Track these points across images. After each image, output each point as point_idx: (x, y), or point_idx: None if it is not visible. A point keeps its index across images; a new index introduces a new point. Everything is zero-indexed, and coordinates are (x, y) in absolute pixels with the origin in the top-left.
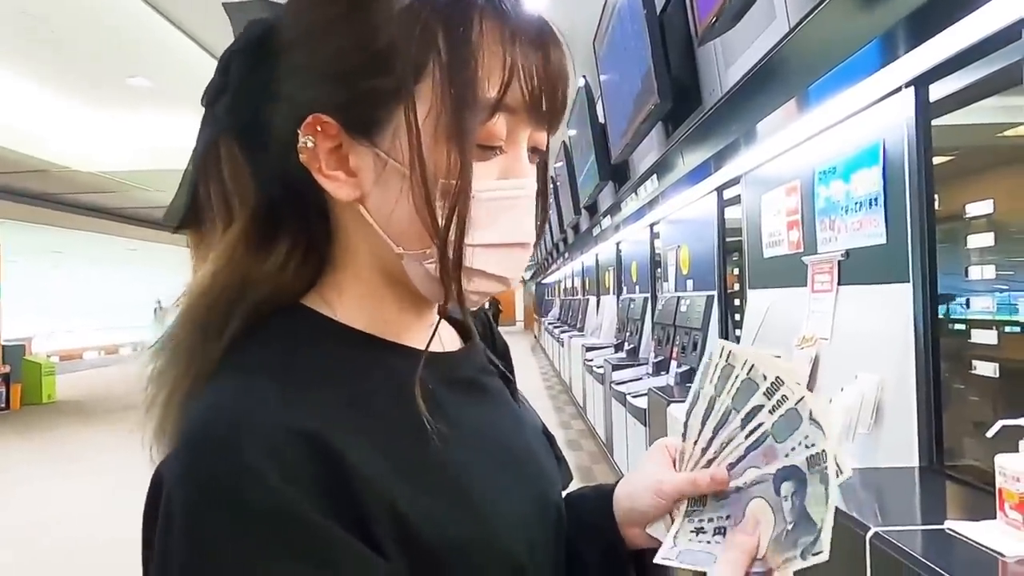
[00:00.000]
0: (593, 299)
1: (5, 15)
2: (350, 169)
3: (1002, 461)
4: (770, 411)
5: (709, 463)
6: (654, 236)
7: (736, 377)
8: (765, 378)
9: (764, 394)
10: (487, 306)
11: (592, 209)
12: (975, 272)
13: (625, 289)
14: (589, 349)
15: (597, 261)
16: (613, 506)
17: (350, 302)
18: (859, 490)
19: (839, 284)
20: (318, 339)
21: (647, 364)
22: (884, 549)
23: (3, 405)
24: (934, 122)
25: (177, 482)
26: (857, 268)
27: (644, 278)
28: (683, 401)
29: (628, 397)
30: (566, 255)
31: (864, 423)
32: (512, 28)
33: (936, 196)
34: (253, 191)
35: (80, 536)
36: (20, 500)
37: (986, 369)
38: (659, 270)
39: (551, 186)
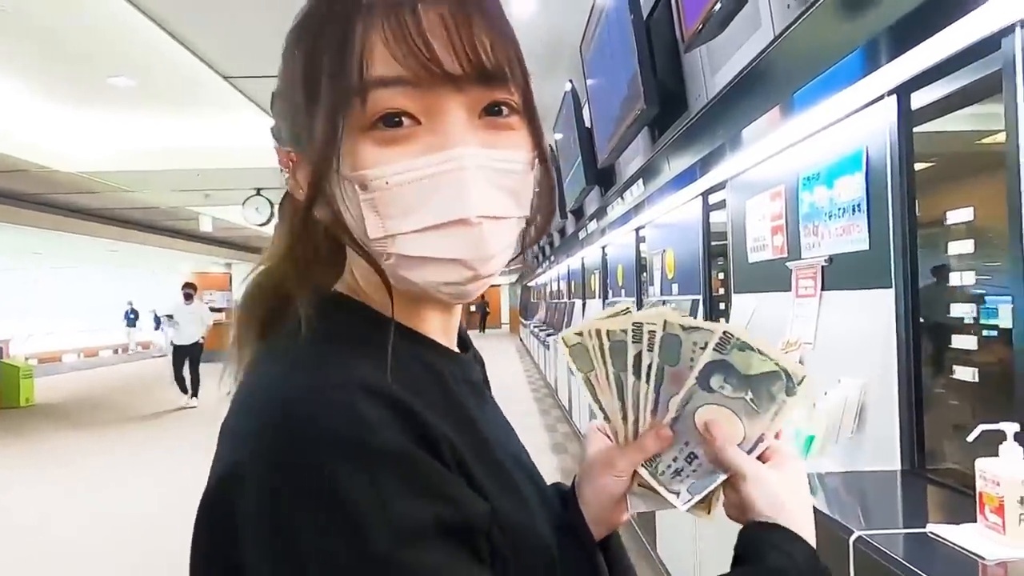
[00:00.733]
0: (579, 303)
1: None
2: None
3: (982, 465)
4: (648, 350)
5: (636, 423)
6: (640, 240)
7: (602, 347)
8: (625, 332)
9: (634, 343)
10: (473, 308)
11: (578, 213)
12: (955, 278)
13: (611, 293)
14: None
15: (583, 265)
16: (580, 503)
17: (372, 292)
18: (843, 493)
19: (823, 289)
20: (358, 325)
21: None
22: (867, 553)
23: None
24: (917, 129)
25: (283, 445)
26: (840, 273)
27: (630, 282)
28: None
29: None
30: (552, 258)
31: (847, 427)
32: (383, 3)
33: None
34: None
35: (60, 541)
36: None
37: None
38: (645, 274)
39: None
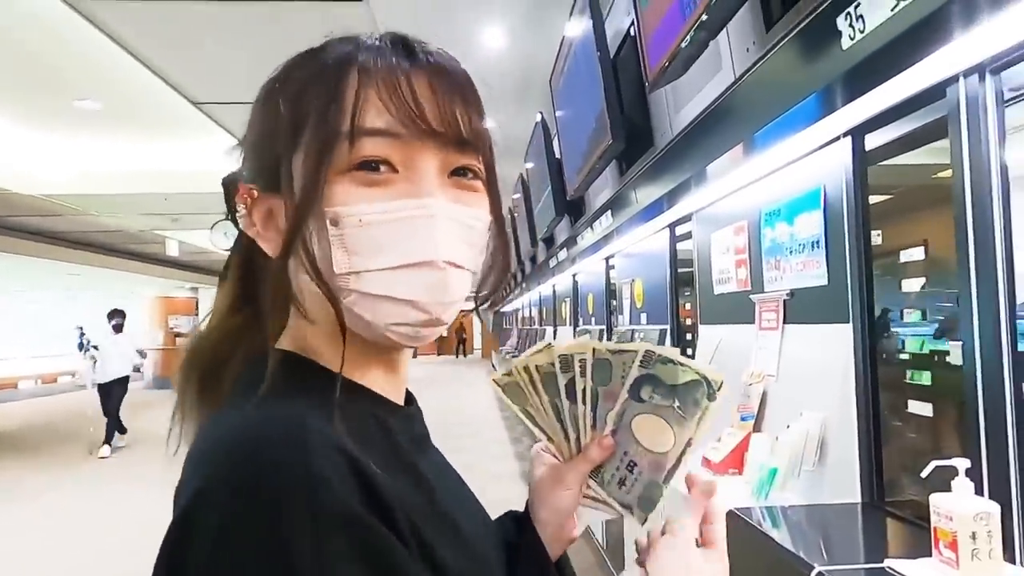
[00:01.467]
0: (550, 329)
1: None
2: (278, 227)
3: (936, 501)
4: (581, 375)
5: (579, 439)
6: (610, 268)
7: (533, 381)
8: (553, 364)
9: (563, 372)
10: (444, 335)
11: (549, 241)
12: (908, 316)
13: (581, 320)
14: None
15: (554, 292)
16: (536, 526)
17: (318, 345)
18: (805, 527)
19: (784, 322)
20: (309, 381)
21: None
22: None
23: None
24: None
25: (234, 494)
26: (801, 307)
27: (600, 310)
28: None
29: None
30: (524, 285)
31: (809, 460)
32: (378, 65)
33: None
34: (236, 259)
35: (18, 574)
36: None
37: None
38: (615, 302)
39: (508, 214)
